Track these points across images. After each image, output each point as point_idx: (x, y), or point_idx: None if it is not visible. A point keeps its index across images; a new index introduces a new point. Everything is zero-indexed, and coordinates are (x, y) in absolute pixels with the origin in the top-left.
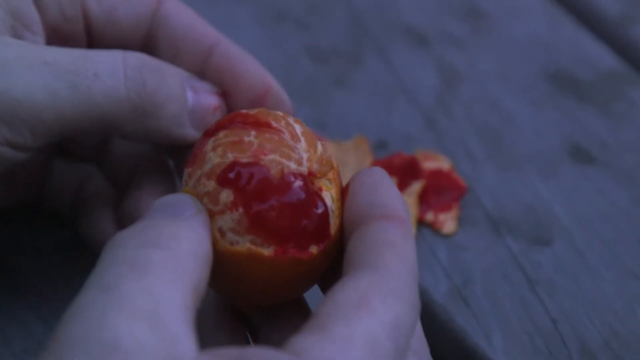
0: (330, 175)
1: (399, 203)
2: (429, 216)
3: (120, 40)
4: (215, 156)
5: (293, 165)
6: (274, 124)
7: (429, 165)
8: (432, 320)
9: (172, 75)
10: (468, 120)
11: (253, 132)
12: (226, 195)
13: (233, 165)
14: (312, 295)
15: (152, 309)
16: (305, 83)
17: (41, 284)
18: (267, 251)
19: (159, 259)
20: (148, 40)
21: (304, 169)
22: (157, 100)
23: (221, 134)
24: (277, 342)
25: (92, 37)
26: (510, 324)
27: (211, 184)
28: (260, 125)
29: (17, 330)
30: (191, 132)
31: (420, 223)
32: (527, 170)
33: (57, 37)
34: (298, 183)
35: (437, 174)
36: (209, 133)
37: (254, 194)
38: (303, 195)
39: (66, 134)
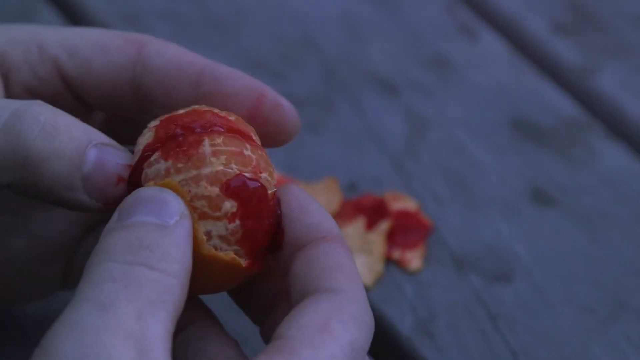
0: None
1: (332, 221)
2: (396, 254)
3: (104, 93)
4: (218, 162)
5: (273, 187)
6: (254, 136)
7: (396, 205)
8: (398, 352)
9: (69, 134)
10: (434, 164)
11: (248, 146)
12: (230, 206)
13: (240, 178)
14: None
15: (141, 336)
16: None
17: None
18: (243, 262)
19: (150, 281)
20: (136, 88)
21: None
22: (33, 155)
23: (218, 139)
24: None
25: (75, 93)
26: (473, 357)
27: (214, 190)
28: (244, 136)
29: None
30: (84, 199)
31: (388, 260)
32: (490, 211)
33: (36, 98)
34: (276, 204)
35: (404, 214)
36: (189, 129)
37: (253, 210)
38: (278, 217)
39: None
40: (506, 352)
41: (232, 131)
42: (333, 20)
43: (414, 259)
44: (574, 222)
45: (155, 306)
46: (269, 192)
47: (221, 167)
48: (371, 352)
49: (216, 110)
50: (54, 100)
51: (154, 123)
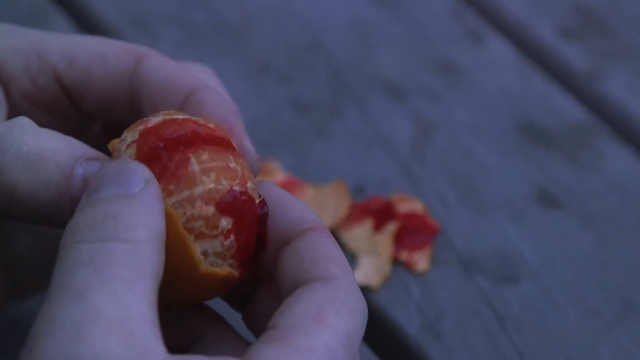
0: None
1: (312, 212)
2: (403, 255)
3: (102, 101)
4: (209, 181)
5: (257, 194)
6: (233, 142)
7: (403, 207)
8: (405, 353)
9: (54, 160)
10: (442, 168)
11: (231, 157)
12: (226, 223)
13: (232, 194)
14: None
15: (121, 319)
16: (288, 133)
17: None
18: (236, 273)
19: (120, 255)
20: (133, 98)
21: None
22: (19, 190)
23: (203, 155)
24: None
25: (75, 102)
26: (480, 358)
27: (210, 210)
28: (226, 144)
29: None
30: None
31: (395, 262)
32: (497, 214)
33: (36, 107)
34: (264, 214)
35: (411, 216)
36: (171, 145)
37: (246, 224)
38: (264, 218)
39: None
40: (513, 353)
41: (213, 139)
42: (341, 26)
43: (421, 261)
44: (580, 225)
45: (131, 281)
46: (256, 201)
47: (213, 185)
48: (379, 353)
49: (194, 118)
50: (52, 107)
51: (131, 137)
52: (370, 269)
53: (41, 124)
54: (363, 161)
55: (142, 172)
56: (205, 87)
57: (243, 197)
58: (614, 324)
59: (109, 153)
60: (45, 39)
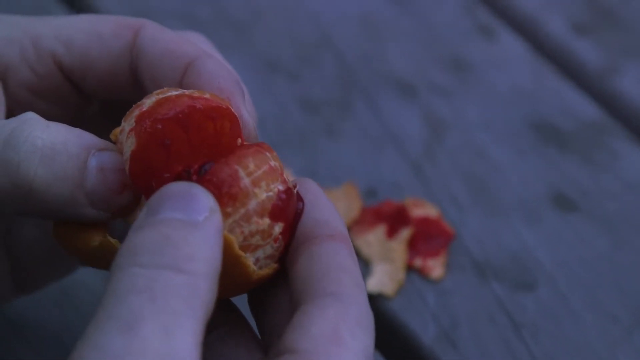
0: None
1: (340, 220)
2: (418, 262)
3: (104, 81)
4: (260, 192)
5: (293, 186)
6: (231, 107)
7: (417, 212)
8: None
9: (66, 152)
10: (454, 168)
11: (267, 153)
12: (278, 228)
13: (280, 197)
14: None
15: (167, 354)
16: (296, 132)
17: None
18: (277, 266)
19: (176, 286)
20: (134, 72)
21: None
22: (37, 186)
23: (251, 164)
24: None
25: (76, 85)
26: None
27: (266, 222)
28: (226, 114)
29: None
30: (91, 212)
31: (409, 268)
32: (511, 217)
33: (36, 96)
34: (300, 210)
35: (425, 221)
36: (169, 126)
37: (290, 222)
38: (299, 220)
39: None
40: None
41: (212, 110)
42: (350, 21)
43: (435, 267)
44: (597, 228)
45: (183, 315)
46: (294, 193)
47: (264, 195)
48: None
49: (188, 92)
50: (53, 94)
51: (129, 125)
52: (385, 277)
53: (40, 112)
54: (374, 161)
55: (207, 200)
56: (205, 55)
57: (287, 196)
58: (634, 330)
59: (107, 132)
60: (37, 25)
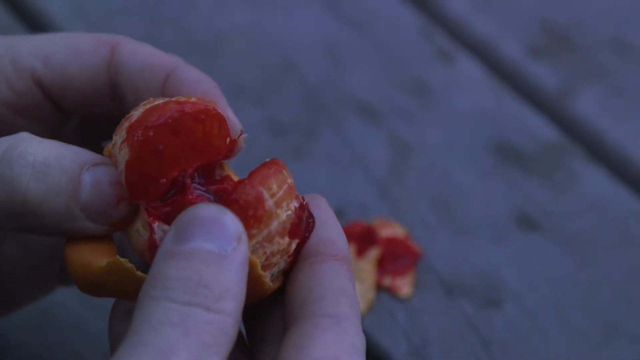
0: None
1: (345, 242)
2: (387, 281)
3: (82, 97)
4: (282, 212)
5: (302, 199)
6: (218, 108)
7: (385, 232)
8: None
9: (60, 167)
10: (420, 189)
11: (285, 172)
12: (295, 244)
13: (297, 214)
14: None
15: None
16: (264, 155)
17: None
18: (282, 279)
19: (207, 323)
20: (113, 88)
21: None
22: (30, 199)
23: (274, 185)
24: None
25: (55, 101)
26: None
27: (286, 241)
28: (214, 115)
29: None
30: (88, 225)
31: (379, 287)
32: (477, 236)
33: (16, 114)
34: (311, 227)
35: (393, 241)
36: (160, 132)
37: (303, 237)
38: (309, 236)
39: None
40: None
41: (200, 112)
42: (313, 46)
43: (404, 286)
44: (560, 247)
45: (211, 348)
46: (305, 208)
47: (285, 215)
48: None
49: (174, 99)
50: (32, 112)
51: (120, 137)
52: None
53: (19, 130)
54: (341, 183)
55: (235, 228)
56: (183, 65)
57: (302, 213)
58: (601, 346)
59: (87, 147)
60: (15, 43)
